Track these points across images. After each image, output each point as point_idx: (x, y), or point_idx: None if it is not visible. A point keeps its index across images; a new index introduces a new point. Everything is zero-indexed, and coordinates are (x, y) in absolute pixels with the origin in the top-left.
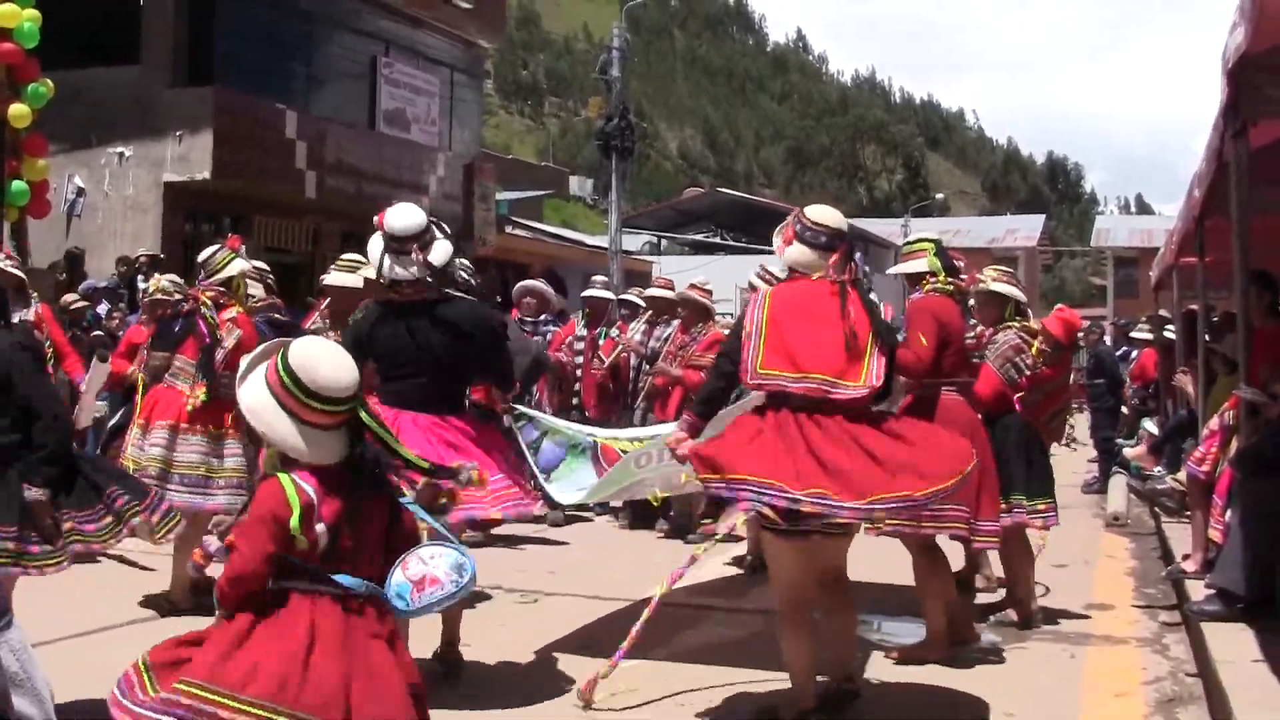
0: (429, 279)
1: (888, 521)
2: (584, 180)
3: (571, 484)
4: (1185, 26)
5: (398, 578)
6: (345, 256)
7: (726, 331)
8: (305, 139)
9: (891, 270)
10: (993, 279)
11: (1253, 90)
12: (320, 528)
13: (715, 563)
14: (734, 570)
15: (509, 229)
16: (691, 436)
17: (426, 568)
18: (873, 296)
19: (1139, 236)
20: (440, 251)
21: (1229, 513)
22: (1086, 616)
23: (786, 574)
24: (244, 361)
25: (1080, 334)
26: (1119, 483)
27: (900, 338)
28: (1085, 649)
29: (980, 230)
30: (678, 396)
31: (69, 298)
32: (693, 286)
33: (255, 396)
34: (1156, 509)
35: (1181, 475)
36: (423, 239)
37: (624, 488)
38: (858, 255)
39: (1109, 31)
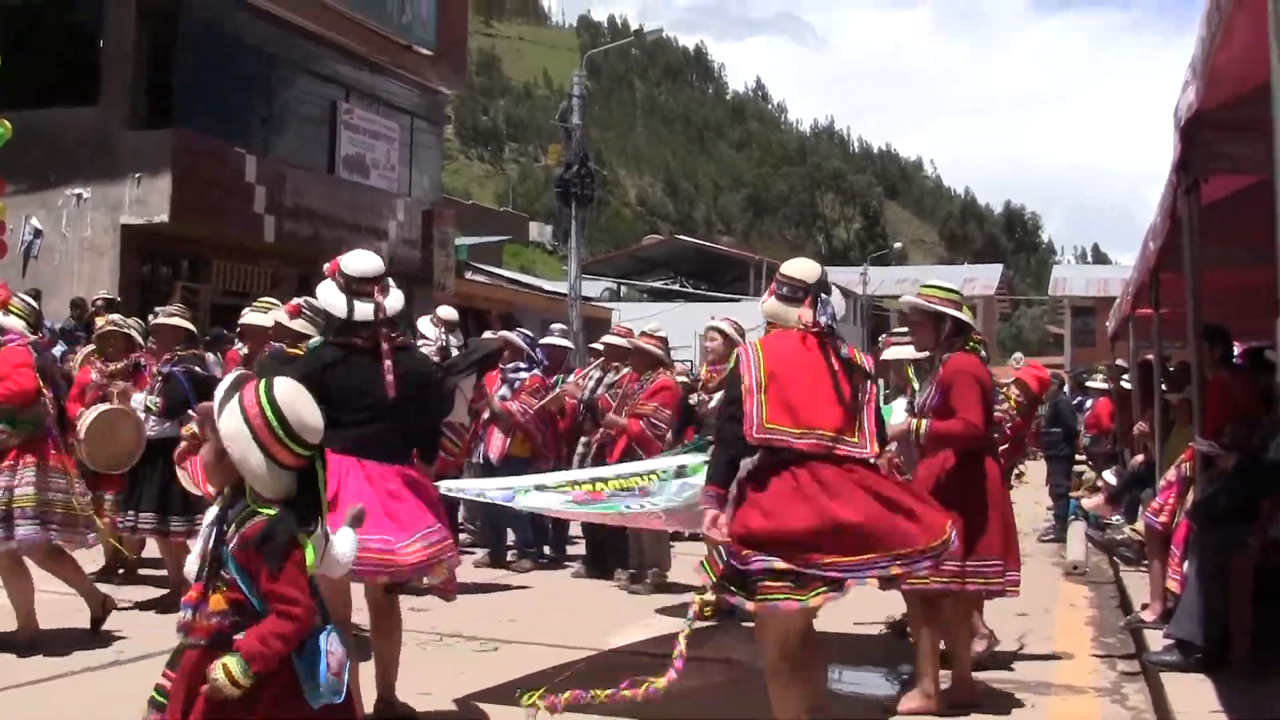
0: (385, 324)
1: (933, 579)
2: (543, 226)
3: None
4: (1141, 79)
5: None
6: (261, 299)
7: (677, 379)
8: (264, 183)
9: (926, 306)
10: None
11: (1204, 146)
12: None
13: (677, 612)
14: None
15: (468, 274)
16: (719, 508)
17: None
18: (844, 350)
19: (1095, 285)
20: (396, 298)
21: (1186, 563)
22: (1048, 662)
23: (783, 633)
24: (222, 383)
25: None
26: (1078, 531)
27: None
28: (1047, 699)
29: (938, 279)
30: (621, 445)
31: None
32: (644, 335)
33: (231, 425)
34: (1115, 558)
35: (1140, 525)
36: (382, 282)
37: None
38: (829, 305)
39: (1066, 83)
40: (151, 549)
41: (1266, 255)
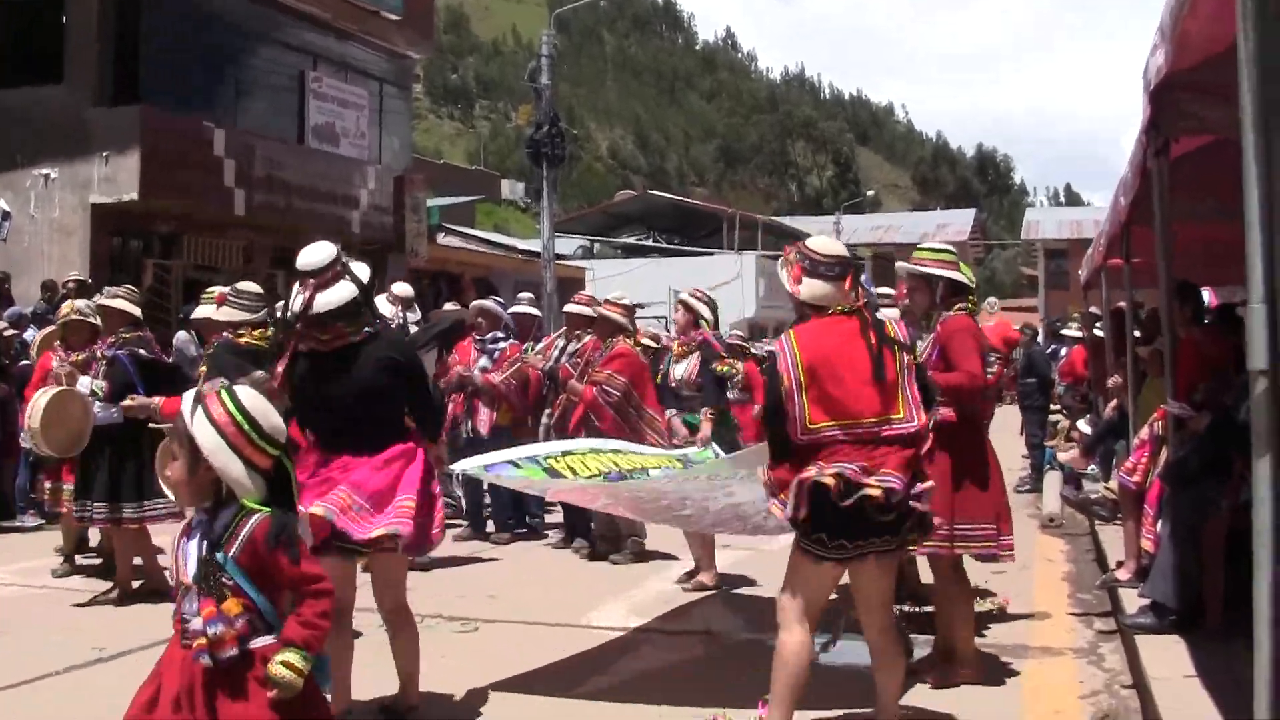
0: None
1: (923, 544)
2: (515, 184)
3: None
4: (1114, 22)
5: None
6: (209, 289)
7: (642, 344)
8: (234, 156)
9: (922, 270)
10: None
11: (1174, 108)
12: None
13: (654, 581)
14: (672, 588)
15: (441, 236)
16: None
17: None
18: (880, 316)
19: (1068, 228)
20: (335, 292)
21: (1160, 524)
22: (1026, 622)
23: (815, 597)
24: (185, 400)
25: None
26: (1053, 482)
27: (920, 353)
28: (1025, 661)
29: (911, 225)
30: (579, 412)
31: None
32: (609, 302)
33: (207, 440)
34: (1090, 516)
35: (1113, 484)
36: (321, 275)
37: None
38: (863, 277)
39: (1039, 30)
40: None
41: (1234, 212)
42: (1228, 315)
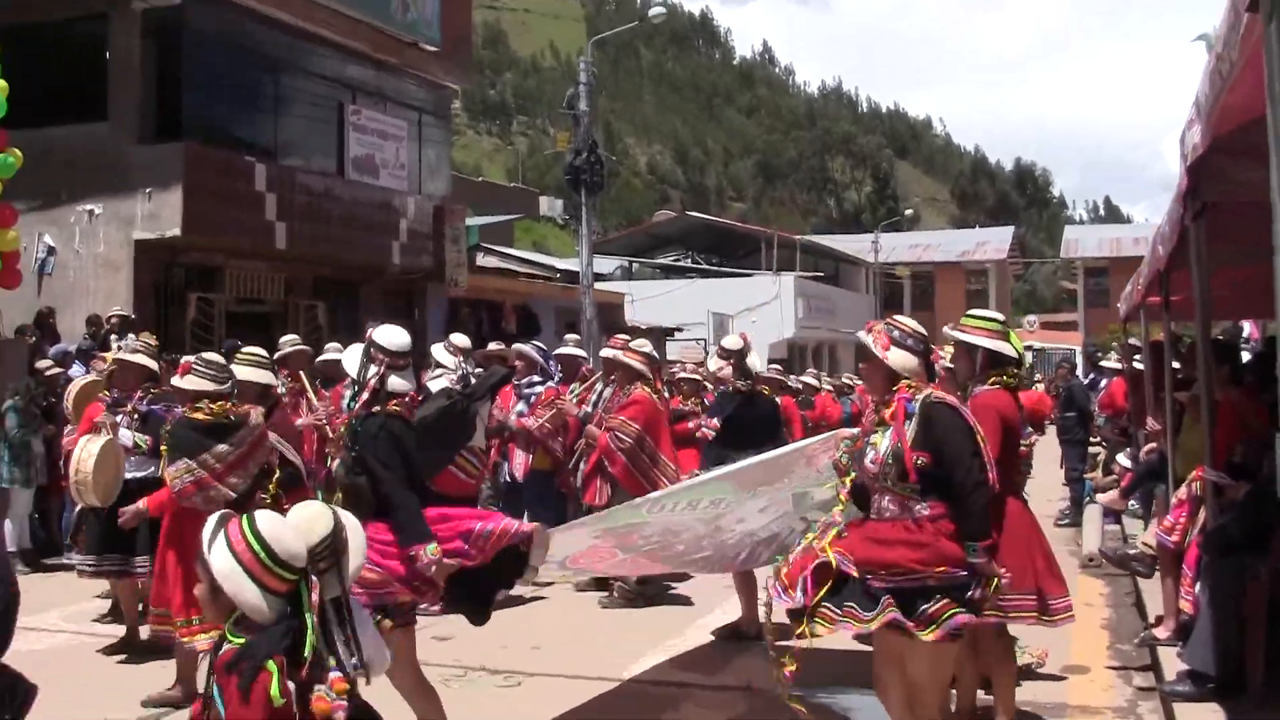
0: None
1: None
2: (554, 201)
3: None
4: (1152, 29)
5: None
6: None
7: (650, 393)
8: (275, 190)
9: (964, 338)
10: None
11: (1213, 174)
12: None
13: (694, 631)
14: (713, 639)
15: (480, 256)
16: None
17: None
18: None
19: (1108, 245)
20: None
21: (1198, 586)
22: (1063, 679)
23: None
24: (206, 529)
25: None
26: (1093, 517)
27: None
28: None
29: (950, 244)
30: (594, 456)
31: (43, 364)
32: (629, 349)
33: (223, 562)
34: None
35: (1151, 539)
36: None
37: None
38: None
39: (1073, 36)
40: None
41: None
42: (1268, 367)
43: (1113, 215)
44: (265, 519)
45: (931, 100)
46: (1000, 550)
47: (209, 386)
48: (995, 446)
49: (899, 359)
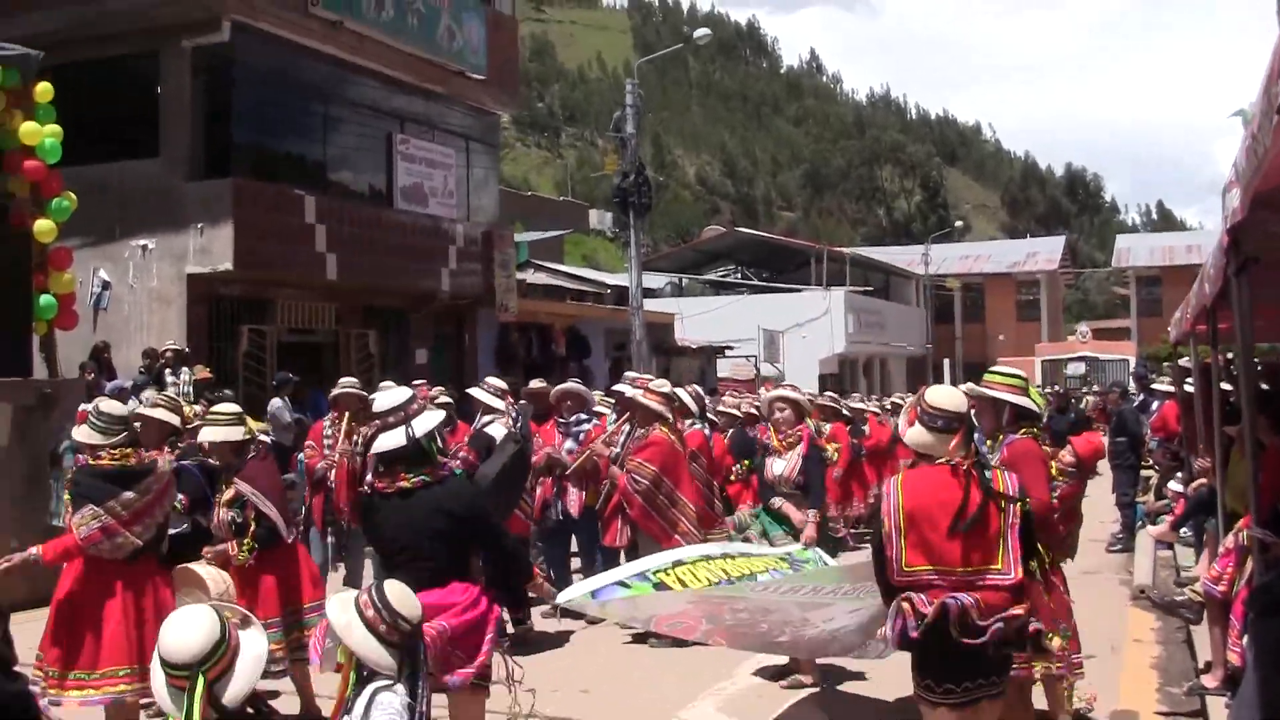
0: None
1: None
2: (603, 214)
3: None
4: (1200, 31)
5: None
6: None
7: (668, 434)
8: (325, 222)
9: (990, 394)
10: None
11: (1256, 228)
12: None
13: (744, 674)
14: (763, 681)
15: (530, 273)
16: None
17: None
18: (988, 477)
19: (1160, 254)
20: (392, 438)
21: (1245, 639)
22: None
23: None
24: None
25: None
26: (1145, 548)
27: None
28: None
29: (1000, 255)
30: (615, 498)
31: (100, 400)
32: (648, 390)
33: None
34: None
35: (1199, 587)
36: (384, 419)
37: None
38: (976, 435)
39: (1121, 38)
40: None
41: None
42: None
43: (1165, 219)
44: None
45: (981, 105)
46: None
47: (98, 439)
48: (1046, 484)
49: (913, 437)
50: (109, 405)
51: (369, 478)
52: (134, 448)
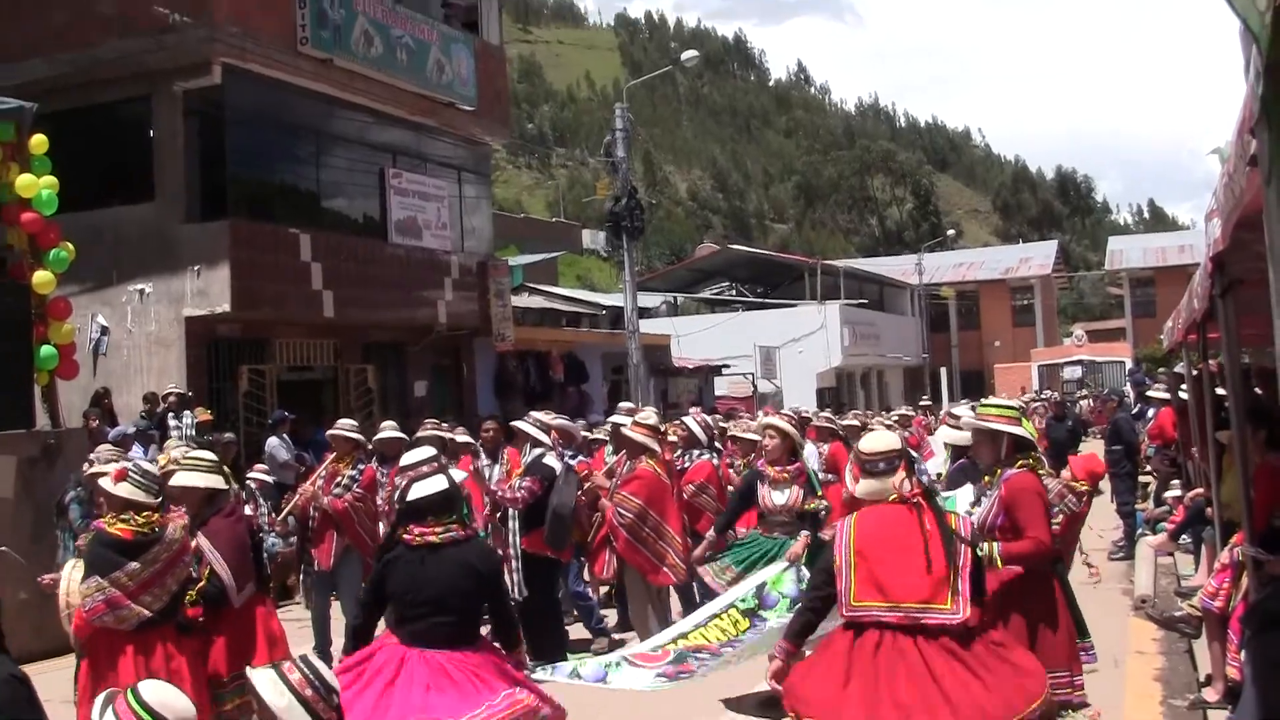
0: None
1: None
2: (596, 234)
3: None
4: (1187, 31)
5: None
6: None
7: (654, 468)
8: (320, 259)
9: (987, 426)
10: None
11: (1240, 248)
12: None
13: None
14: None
15: (525, 296)
16: (784, 662)
17: None
18: (940, 503)
19: (1154, 255)
20: (426, 484)
21: (1244, 654)
22: None
23: None
24: (94, 710)
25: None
26: (1145, 557)
27: (985, 512)
28: None
29: (994, 261)
30: (602, 532)
31: (101, 453)
32: (635, 423)
33: None
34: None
35: (1197, 602)
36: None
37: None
38: (917, 466)
39: (1107, 40)
40: None
41: None
42: None
43: (1157, 218)
44: (149, 689)
45: (970, 111)
46: (1037, 621)
47: (140, 497)
48: (1045, 523)
49: (863, 488)
50: (148, 464)
51: (395, 529)
52: (160, 512)
